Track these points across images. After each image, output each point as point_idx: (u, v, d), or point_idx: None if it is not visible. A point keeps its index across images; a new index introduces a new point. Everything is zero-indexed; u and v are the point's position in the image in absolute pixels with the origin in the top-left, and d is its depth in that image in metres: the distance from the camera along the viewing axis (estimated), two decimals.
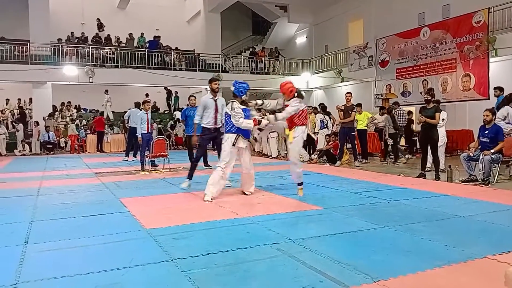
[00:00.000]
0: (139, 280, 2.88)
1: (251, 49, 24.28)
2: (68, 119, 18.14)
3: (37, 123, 16.67)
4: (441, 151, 8.78)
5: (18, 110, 18.76)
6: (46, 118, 16.86)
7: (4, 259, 3.39)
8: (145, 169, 9.59)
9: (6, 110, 18.84)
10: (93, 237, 3.98)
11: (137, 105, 13.03)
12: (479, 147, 7.38)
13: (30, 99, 18.81)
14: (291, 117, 6.04)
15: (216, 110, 7.02)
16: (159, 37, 21.24)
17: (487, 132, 7.27)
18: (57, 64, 17.36)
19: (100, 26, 21.91)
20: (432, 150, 7.91)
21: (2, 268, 3.17)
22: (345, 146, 10.78)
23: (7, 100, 19.54)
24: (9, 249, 3.66)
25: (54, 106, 18.59)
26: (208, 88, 7.37)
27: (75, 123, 18.41)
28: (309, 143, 12.48)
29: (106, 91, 19.86)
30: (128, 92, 21.28)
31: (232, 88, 6.01)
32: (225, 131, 6.02)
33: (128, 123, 13.36)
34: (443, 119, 8.79)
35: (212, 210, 5.17)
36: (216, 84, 7.10)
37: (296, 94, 6.06)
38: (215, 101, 7.06)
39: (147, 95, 21.06)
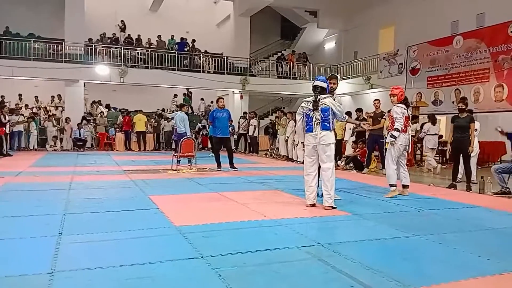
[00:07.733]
0: (171, 275, 2.92)
1: (279, 54, 24.27)
2: (98, 116, 18.53)
3: (68, 119, 17.10)
4: (473, 162, 8.56)
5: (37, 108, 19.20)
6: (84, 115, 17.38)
7: (41, 248, 3.50)
8: (173, 168, 9.74)
9: (35, 107, 19.29)
10: (124, 232, 4.06)
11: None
12: None
13: (59, 95, 19.33)
14: (391, 121, 6.56)
15: None
16: (186, 39, 21.49)
17: None
18: (89, 63, 17.82)
19: (124, 28, 22.39)
20: (464, 160, 7.72)
21: (39, 257, 3.27)
22: (372, 153, 10.65)
23: (36, 97, 20.02)
24: (45, 239, 3.77)
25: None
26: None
27: (105, 121, 18.79)
28: (336, 150, 12.35)
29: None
30: (157, 93, 21.62)
31: (324, 85, 5.44)
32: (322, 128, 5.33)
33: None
34: (476, 129, 8.58)
35: (240, 211, 5.20)
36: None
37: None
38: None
39: (175, 95, 21.38)
